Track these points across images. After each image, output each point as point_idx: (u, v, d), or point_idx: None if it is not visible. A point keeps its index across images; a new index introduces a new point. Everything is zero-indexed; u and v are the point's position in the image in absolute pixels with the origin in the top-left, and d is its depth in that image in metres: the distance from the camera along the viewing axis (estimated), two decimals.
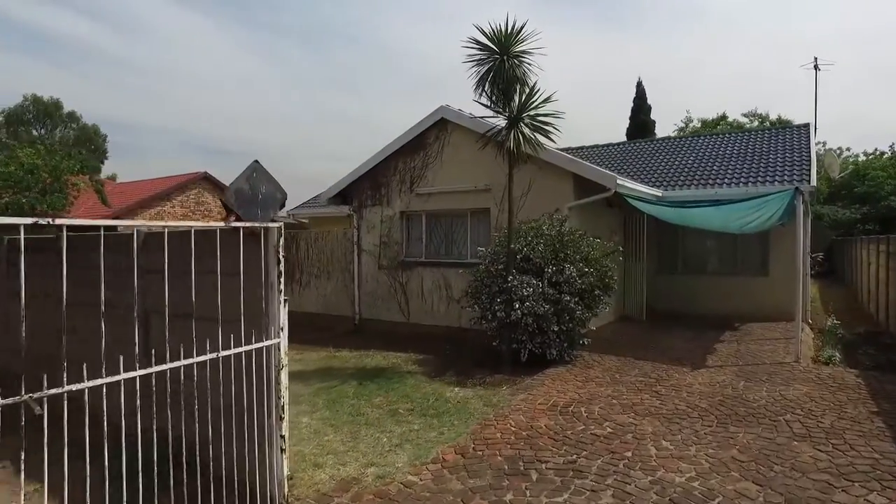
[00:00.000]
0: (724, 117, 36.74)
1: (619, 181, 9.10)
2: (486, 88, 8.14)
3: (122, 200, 22.46)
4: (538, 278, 8.03)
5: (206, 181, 23.68)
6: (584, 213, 10.05)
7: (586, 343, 8.34)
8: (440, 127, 11.11)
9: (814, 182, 10.91)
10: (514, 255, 8.10)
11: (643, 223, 11.55)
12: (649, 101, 30.47)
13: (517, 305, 7.73)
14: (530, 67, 8.09)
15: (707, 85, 68.96)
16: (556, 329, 7.76)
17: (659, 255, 13.08)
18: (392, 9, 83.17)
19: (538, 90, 8.16)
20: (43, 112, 45.03)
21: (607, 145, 16.66)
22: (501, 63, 7.83)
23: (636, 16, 74.32)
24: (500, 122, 8.18)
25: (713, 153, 13.81)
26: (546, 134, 8.13)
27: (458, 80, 78.24)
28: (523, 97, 8.10)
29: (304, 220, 18.63)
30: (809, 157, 12.09)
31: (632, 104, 30.48)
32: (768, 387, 6.74)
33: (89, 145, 46.46)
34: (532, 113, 8.14)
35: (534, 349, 7.96)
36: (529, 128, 8.06)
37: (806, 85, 69.28)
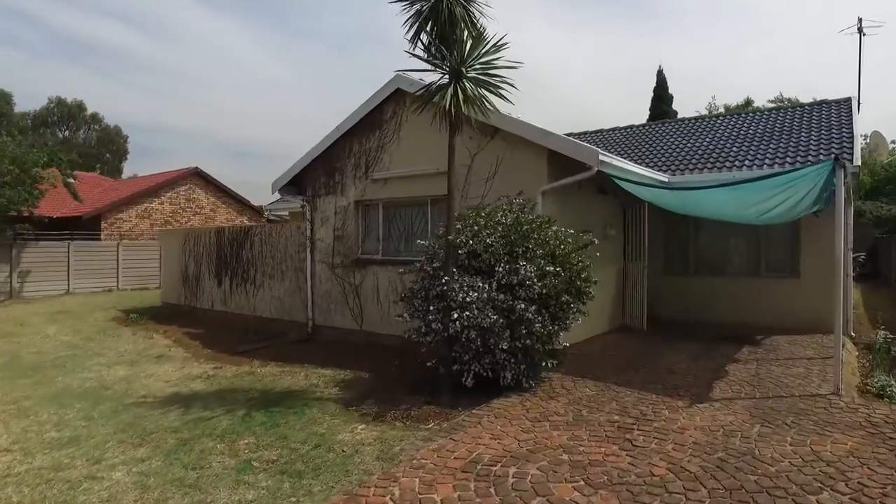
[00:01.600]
0: (749, 102, 33.61)
1: (602, 157, 7.04)
2: (421, 38, 6.23)
3: (111, 197, 21.34)
4: (488, 280, 6.05)
5: (198, 177, 22.39)
6: (565, 199, 8.00)
7: (552, 365, 6.32)
8: (397, 100, 9.22)
9: (857, 161, 8.57)
10: (456, 249, 6.15)
11: (644, 214, 9.40)
12: (671, 91, 27.91)
13: (455, 315, 5.78)
14: (480, 8, 6.16)
15: (738, 80, 65.02)
16: (504, 347, 5.77)
17: (667, 252, 10.87)
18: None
19: (488, 37, 6.21)
20: (67, 114, 45.09)
21: (613, 129, 14.46)
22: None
23: (668, 9, 70.86)
24: (442, 78, 6.25)
25: (734, 133, 11.50)
26: (496, 91, 6.15)
27: None
28: (468, 45, 6.15)
29: (283, 215, 17.02)
30: (851, 133, 9.71)
31: (652, 93, 27.94)
32: (795, 436, 4.61)
33: (111, 146, 46.33)
34: (480, 65, 6.19)
35: (482, 372, 5.99)
36: (474, 83, 6.10)
37: (845, 62, 63.41)
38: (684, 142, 11.87)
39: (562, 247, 6.27)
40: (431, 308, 6.02)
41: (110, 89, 69.36)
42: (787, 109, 12.13)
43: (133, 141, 53.03)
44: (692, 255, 10.61)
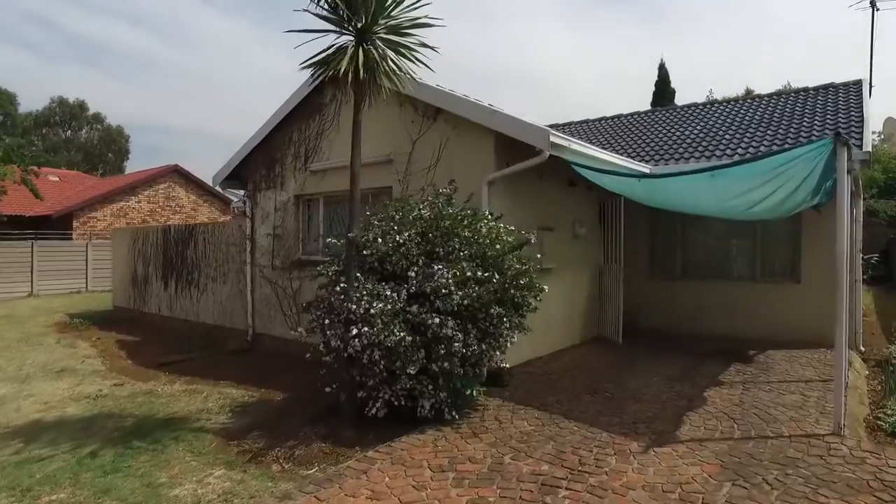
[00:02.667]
0: (749, 93, 31.85)
1: (554, 139, 5.79)
2: None
3: (87, 195, 20.48)
4: (399, 287, 4.85)
5: (177, 174, 21.44)
6: (518, 191, 6.77)
7: (477, 392, 5.09)
8: (337, 82, 8.01)
9: (867, 147, 7.22)
10: (359, 249, 4.97)
11: (619, 210, 8.12)
12: (673, 87, 26.42)
13: (355, 330, 4.59)
14: None
15: (748, 80, 62.93)
16: (412, 371, 4.56)
17: (651, 254, 9.57)
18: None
19: None
20: (69, 114, 44.67)
21: (600, 119, 13.15)
22: None
23: (679, 9, 68.99)
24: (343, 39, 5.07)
25: (729, 120, 10.16)
26: (410, 54, 4.96)
27: (510, 89, 75.14)
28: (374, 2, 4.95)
29: None
30: (861, 116, 8.34)
31: (654, 87, 26.48)
32: (779, 502, 3.36)
33: (112, 146, 45.84)
34: (393, 23, 5.00)
35: (394, 400, 4.80)
36: (385, 45, 4.91)
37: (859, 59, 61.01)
38: (674, 130, 10.55)
39: (496, 247, 5.04)
40: (328, 322, 4.84)
41: (114, 89, 69.30)
42: (789, 94, 10.75)
43: (138, 141, 52.61)
44: (679, 256, 9.30)
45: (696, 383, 6.09)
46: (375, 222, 5.20)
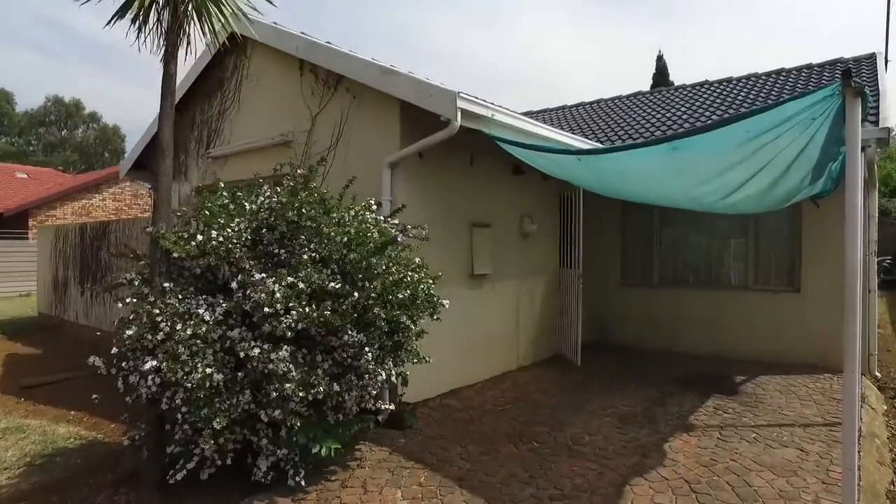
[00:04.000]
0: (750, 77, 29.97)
1: (464, 104, 4.31)
2: None
3: (48, 192, 19.30)
4: (221, 302, 3.41)
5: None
6: (432, 176, 5.31)
7: (333, 453, 3.60)
8: (239, 50, 6.63)
9: (887, 122, 5.64)
10: (167, 253, 3.52)
11: (578, 202, 6.60)
12: (672, 79, 24.74)
13: (150, 363, 3.16)
14: None
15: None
16: (216, 426, 3.09)
17: (625, 256, 8.03)
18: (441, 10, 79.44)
19: None
20: (64, 113, 43.84)
21: (578, 104, 11.61)
22: None
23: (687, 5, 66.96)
24: None
25: (717, 101, 8.59)
26: None
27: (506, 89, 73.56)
28: None
29: None
30: (877, 89, 6.76)
31: (651, 80, 24.82)
32: None
33: (108, 145, 44.97)
34: None
35: (217, 458, 3.36)
36: None
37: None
38: (653, 113, 9.00)
39: (357, 247, 3.57)
40: (124, 349, 3.40)
41: (117, 86, 68.69)
42: (790, 71, 9.15)
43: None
44: (657, 260, 7.75)
45: (660, 426, 4.57)
46: (197, 214, 3.76)
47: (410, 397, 4.97)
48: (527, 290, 6.62)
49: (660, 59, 24.90)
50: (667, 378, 6.08)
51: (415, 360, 3.94)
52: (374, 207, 4.25)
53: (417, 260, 4.14)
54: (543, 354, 6.97)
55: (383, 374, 3.50)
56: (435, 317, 4.05)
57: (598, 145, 6.84)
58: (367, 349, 3.45)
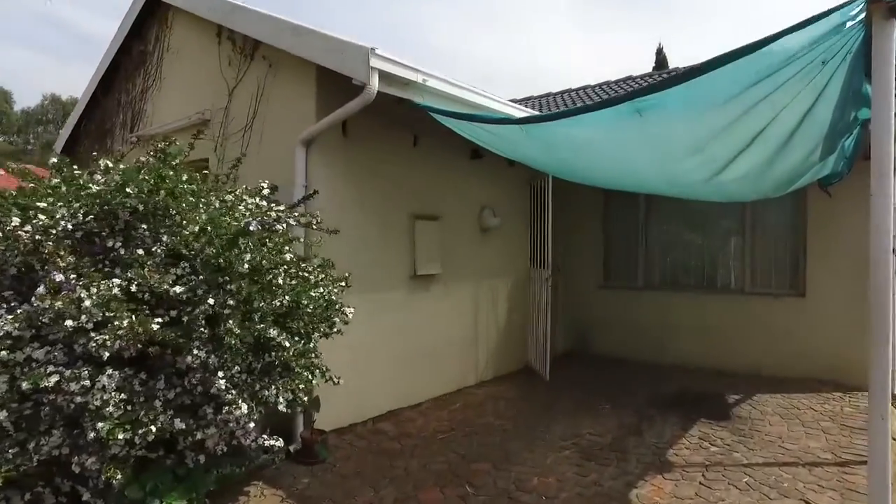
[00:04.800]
0: None
1: (378, 63, 3.40)
2: None
3: None
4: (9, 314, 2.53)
5: None
6: (368, 161, 4.42)
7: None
8: (161, 20, 5.77)
9: None
10: None
11: (546, 192, 5.69)
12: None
13: None
14: None
15: None
16: None
17: (607, 254, 7.08)
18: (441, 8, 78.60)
19: None
20: (62, 111, 43.33)
21: (563, 91, 10.67)
22: None
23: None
24: None
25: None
26: None
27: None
28: None
29: None
30: None
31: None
32: None
33: None
34: None
35: None
36: None
37: None
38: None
39: (216, 239, 2.67)
40: None
41: None
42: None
43: None
44: (643, 258, 6.80)
45: (630, 465, 3.64)
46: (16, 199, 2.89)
47: (330, 423, 4.09)
48: (488, 294, 5.71)
49: (659, 52, 23.93)
50: (648, 397, 5.15)
51: (308, 384, 3.04)
52: (267, 192, 3.38)
53: (317, 260, 3.26)
54: (509, 367, 6.05)
55: (243, 406, 2.60)
56: (335, 330, 3.17)
57: (522, 112, 5.76)
58: (220, 373, 2.56)
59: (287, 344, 2.72)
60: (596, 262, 7.02)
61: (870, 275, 2.24)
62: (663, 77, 2.44)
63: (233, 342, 2.49)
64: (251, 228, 2.59)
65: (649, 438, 4.10)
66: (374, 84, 3.43)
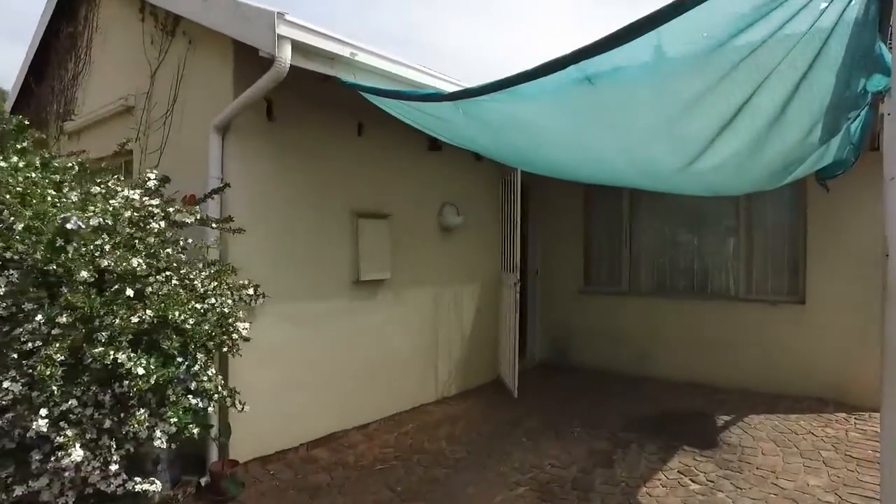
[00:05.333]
0: None
1: (289, 31, 2.82)
2: None
3: None
4: None
5: None
6: (302, 152, 3.84)
7: None
8: None
9: None
10: None
11: (514, 186, 5.09)
12: None
13: None
14: None
15: None
16: None
17: (588, 256, 6.47)
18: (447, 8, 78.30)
19: None
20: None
21: None
22: None
23: None
24: None
25: None
26: None
27: None
28: None
29: None
30: None
31: None
32: None
33: None
34: None
35: None
36: None
37: None
38: None
39: (27, 237, 2.09)
40: None
41: None
42: None
43: None
44: (627, 261, 6.19)
45: None
46: None
47: (254, 450, 3.53)
48: (451, 301, 5.12)
49: None
50: (627, 417, 4.54)
51: (185, 417, 2.45)
52: (154, 185, 2.81)
53: (212, 267, 2.69)
54: (478, 380, 5.46)
55: (75, 450, 2.01)
56: (227, 348, 2.59)
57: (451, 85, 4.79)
58: (43, 411, 1.98)
59: (140, 371, 2.13)
60: (576, 264, 6.41)
61: (886, 270, 1.65)
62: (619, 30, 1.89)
63: (48, 373, 1.91)
64: (69, 226, 2.01)
65: (620, 472, 3.49)
66: (285, 57, 2.84)
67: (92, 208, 2.22)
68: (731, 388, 5.25)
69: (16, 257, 2.07)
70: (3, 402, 1.94)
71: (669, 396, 5.14)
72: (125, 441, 2.36)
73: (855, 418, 4.37)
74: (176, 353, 2.36)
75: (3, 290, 2.02)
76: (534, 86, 2.27)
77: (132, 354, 2.11)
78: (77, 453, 2.02)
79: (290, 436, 3.76)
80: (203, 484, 3.29)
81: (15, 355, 1.94)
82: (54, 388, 1.94)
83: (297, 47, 2.92)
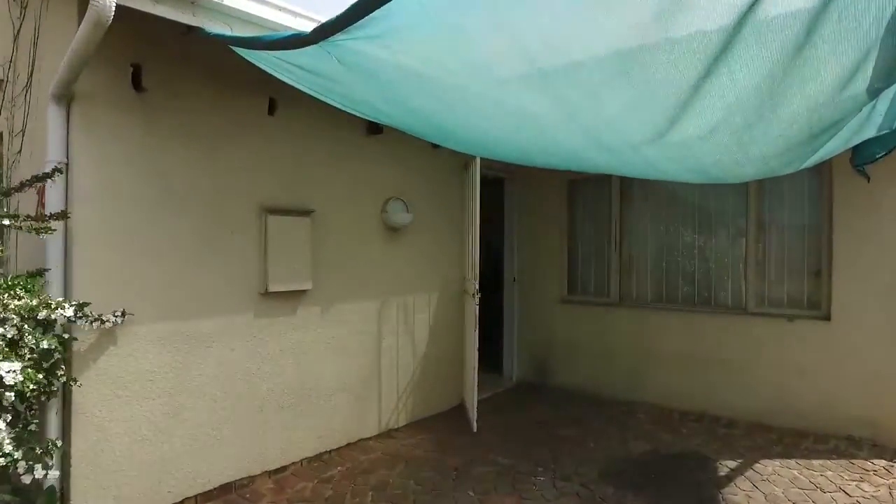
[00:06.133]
0: None
1: None
2: None
3: None
4: None
5: None
6: (184, 125, 3.00)
7: None
8: None
9: None
10: None
11: (474, 174, 4.21)
12: None
13: None
14: None
15: None
16: None
17: (572, 261, 5.56)
18: None
19: None
20: None
21: None
22: None
23: None
24: None
25: None
26: None
27: None
28: None
29: None
30: None
31: None
32: None
33: None
34: None
35: None
36: None
37: None
38: None
39: None
40: None
41: None
42: None
43: None
44: (616, 267, 5.27)
45: None
46: None
47: None
48: (400, 314, 4.25)
49: None
50: (606, 460, 3.63)
51: None
52: None
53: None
54: (436, 406, 4.59)
55: None
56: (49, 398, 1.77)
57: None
58: None
59: None
60: (557, 269, 5.51)
61: None
62: None
63: None
64: None
65: None
66: None
67: None
68: (739, 420, 4.32)
69: None
70: None
71: (662, 429, 4.22)
72: None
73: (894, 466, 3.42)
74: None
75: None
76: (406, 6, 1.41)
77: None
78: None
79: (167, 489, 2.93)
80: None
81: None
82: None
83: None
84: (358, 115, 2.58)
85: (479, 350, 4.14)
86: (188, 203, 2.99)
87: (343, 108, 2.43)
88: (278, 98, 3.37)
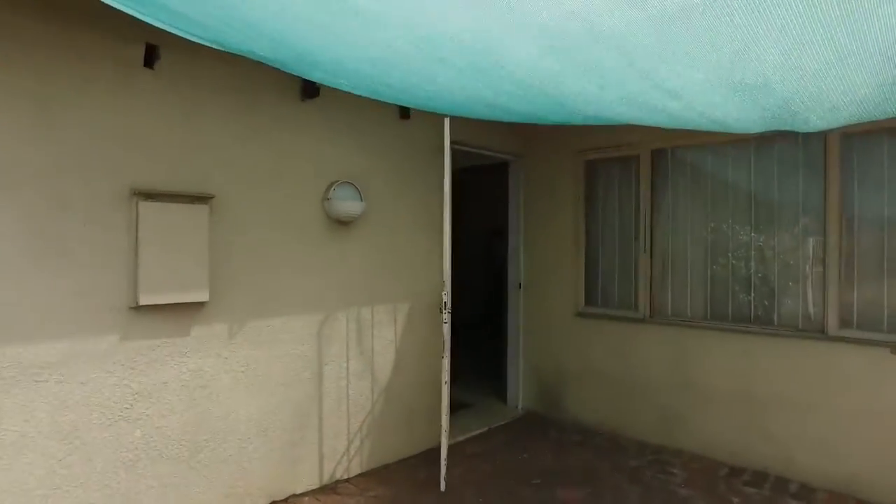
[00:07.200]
0: None
1: None
2: None
3: None
4: None
5: None
6: (21, 85, 2.16)
7: None
8: None
9: None
10: None
11: (444, 140, 3.19)
12: None
13: None
14: None
15: None
16: None
17: (587, 264, 4.41)
18: None
19: None
20: None
21: None
22: None
23: None
24: None
25: None
26: None
27: None
28: None
29: None
30: None
31: None
32: None
33: None
34: None
35: None
36: None
37: None
38: None
39: None
40: None
41: None
42: None
43: None
44: (644, 270, 4.09)
45: None
46: None
47: None
48: (352, 333, 3.29)
49: None
50: None
51: None
52: None
53: None
54: (402, 451, 3.59)
55: None
56: None
57: None
58: None
59: None
60: (573, 273, 4.39)
61: None
62: None
63: None
64: None
65: None
66: None
67: None
68: (812, 483, 3.08)
69: None
70: None
71: (705, 493, 3.05)
72: None
73: None
74: None
75: None
76: None
77: None
78: None
79: None
80: None
81: None
82: None
83: None
84: (229, 50, 1.63)
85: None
86: (15, 184, 2.15)
87: (242, 53, 1.48)
88: (160, 44, 2.49)
